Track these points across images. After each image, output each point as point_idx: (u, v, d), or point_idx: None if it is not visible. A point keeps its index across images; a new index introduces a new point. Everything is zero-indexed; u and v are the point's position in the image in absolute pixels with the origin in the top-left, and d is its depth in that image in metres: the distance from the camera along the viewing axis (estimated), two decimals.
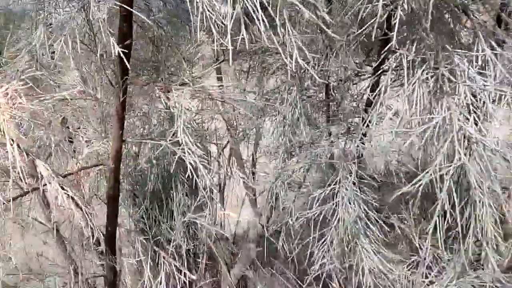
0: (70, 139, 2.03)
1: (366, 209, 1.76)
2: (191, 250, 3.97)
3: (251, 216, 3.68)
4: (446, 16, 1.42)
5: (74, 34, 1.36)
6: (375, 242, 1.77)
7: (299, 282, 2.69)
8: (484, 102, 1.32)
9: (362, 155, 1.75)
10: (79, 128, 1.94)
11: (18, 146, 1.38)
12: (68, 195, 1.62)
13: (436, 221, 1.59)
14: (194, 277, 1.75)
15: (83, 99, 1.92)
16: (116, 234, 1.99)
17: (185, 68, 1.60)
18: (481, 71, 1.36)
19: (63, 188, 1.65)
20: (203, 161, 1.72)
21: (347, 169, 1.76)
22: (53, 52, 1.78)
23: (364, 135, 1.78)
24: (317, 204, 1.80)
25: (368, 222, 1.76)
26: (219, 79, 2.62)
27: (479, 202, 1.36)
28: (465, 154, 1.29)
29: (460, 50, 1.36)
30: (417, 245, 1.92)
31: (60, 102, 1.80)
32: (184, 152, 1.53)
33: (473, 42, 1.37)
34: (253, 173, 3.63)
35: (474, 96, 1.32)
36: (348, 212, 1.71)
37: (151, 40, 1.80)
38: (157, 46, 1.76)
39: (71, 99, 1.77)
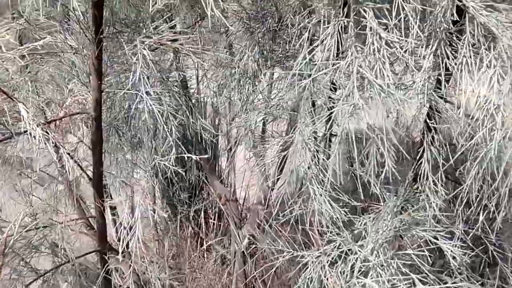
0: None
1: (320, 156, 1.89)
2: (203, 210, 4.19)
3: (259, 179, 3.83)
4: None
5: None
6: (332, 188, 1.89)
7: (301, 243, 2.83)
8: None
9: None
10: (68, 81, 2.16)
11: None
12: (48, 138, 1.84)
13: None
14: (165, 215, 1.93)
15: (73, 54, 2.14)
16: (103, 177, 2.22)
17: (149, 23, 1.77)
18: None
19: (46, 132, 1.87)
20: (170, 110, 1.91)
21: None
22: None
23: None
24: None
25: (322, 168, 1.88)
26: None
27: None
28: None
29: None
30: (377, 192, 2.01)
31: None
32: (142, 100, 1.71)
33: None
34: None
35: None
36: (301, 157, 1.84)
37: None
38: (132, 5, 1.94)
39: (55, 54, 1.99)
